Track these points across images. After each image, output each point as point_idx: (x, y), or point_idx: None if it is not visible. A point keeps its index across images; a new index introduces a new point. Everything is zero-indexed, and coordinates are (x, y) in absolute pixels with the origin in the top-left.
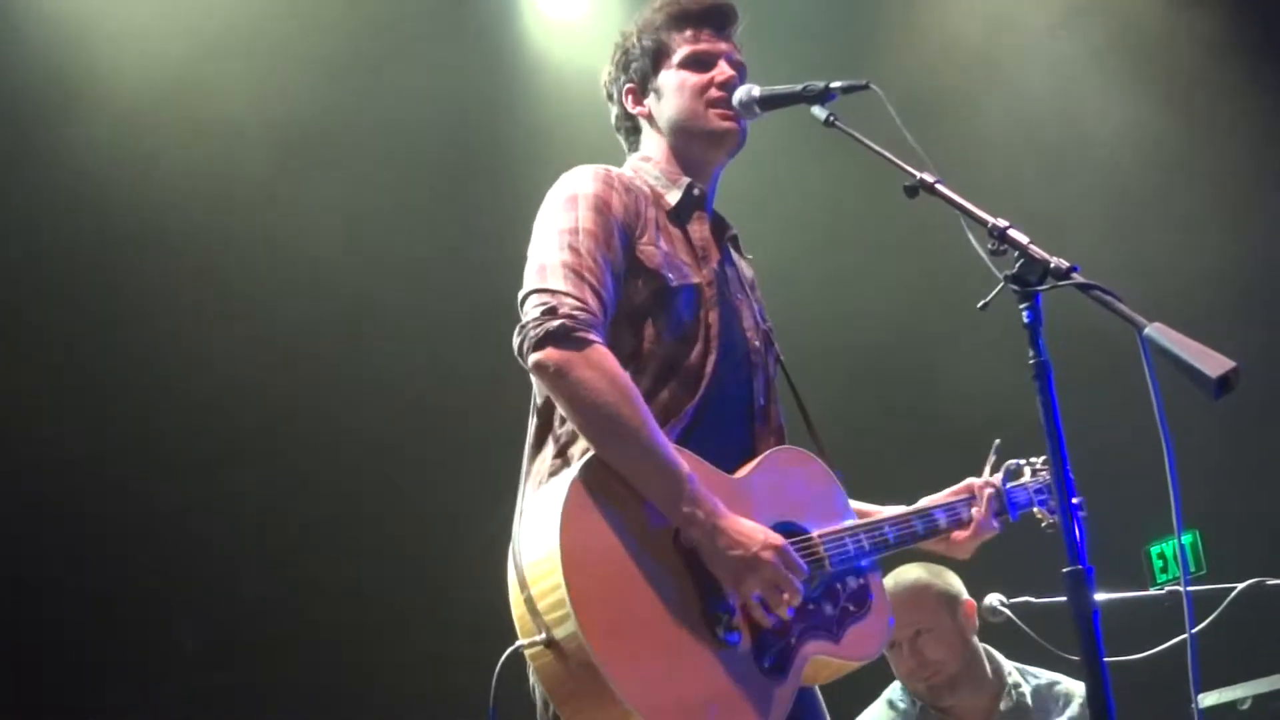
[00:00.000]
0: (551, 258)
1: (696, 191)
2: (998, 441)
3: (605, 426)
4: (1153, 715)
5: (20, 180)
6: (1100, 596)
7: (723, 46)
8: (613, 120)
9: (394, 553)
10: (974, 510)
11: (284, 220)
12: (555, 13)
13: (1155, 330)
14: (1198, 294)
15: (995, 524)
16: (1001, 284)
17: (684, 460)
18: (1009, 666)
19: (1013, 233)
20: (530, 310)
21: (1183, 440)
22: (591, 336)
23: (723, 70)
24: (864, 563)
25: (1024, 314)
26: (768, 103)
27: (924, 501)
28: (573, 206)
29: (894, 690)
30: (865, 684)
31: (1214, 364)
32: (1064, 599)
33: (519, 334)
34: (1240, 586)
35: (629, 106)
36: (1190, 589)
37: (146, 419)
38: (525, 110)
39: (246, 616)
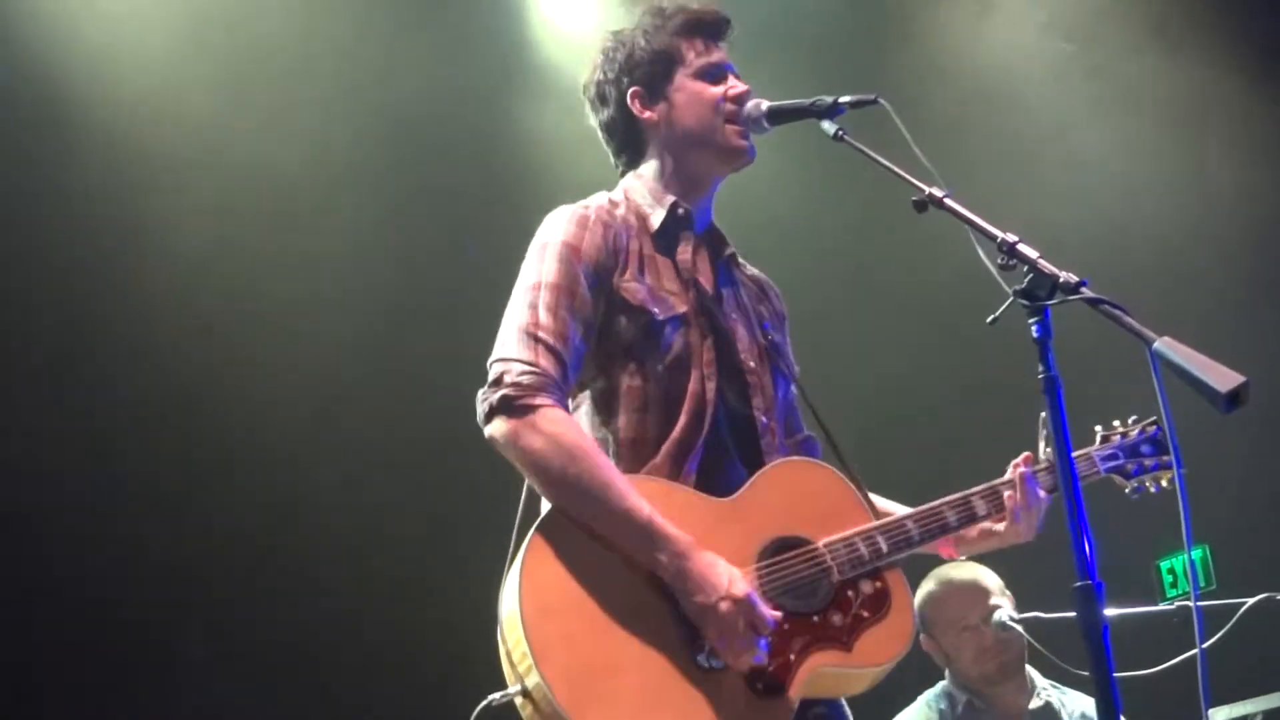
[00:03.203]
0: (511, 320)
1: (681, 211)
2: (1044, 415)
3: (558, 487)
4: None
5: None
6: (1110, 612)
7: (727, 60)
8: (604, 122)
9: (403, 572)
10: (1007, 493)
11: (293, 228)
12: (564, 22)
13: (1165, 345)
14: (1205, 310)
15: (1044, 496)
16: (1011, 299)
17: (658, 492)
18: (1038, 676)
19: (1022, 247)
20: (488, 381)
21: (1192, 455)
22: (537, 401)
23: (735, 85)
24: (884, 564)
25: (1033, 329)
26: (776, 117)
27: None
28: (540, 258)
29: (933, 693)
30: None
31: (1224, 378)
32: (1073, 614)
33: (477, 406)
34: (1250, 602)
35: (636, 110)
36: (1200, 604)
37: (150, 426)
38: (532, 117)
39: (250, 628)
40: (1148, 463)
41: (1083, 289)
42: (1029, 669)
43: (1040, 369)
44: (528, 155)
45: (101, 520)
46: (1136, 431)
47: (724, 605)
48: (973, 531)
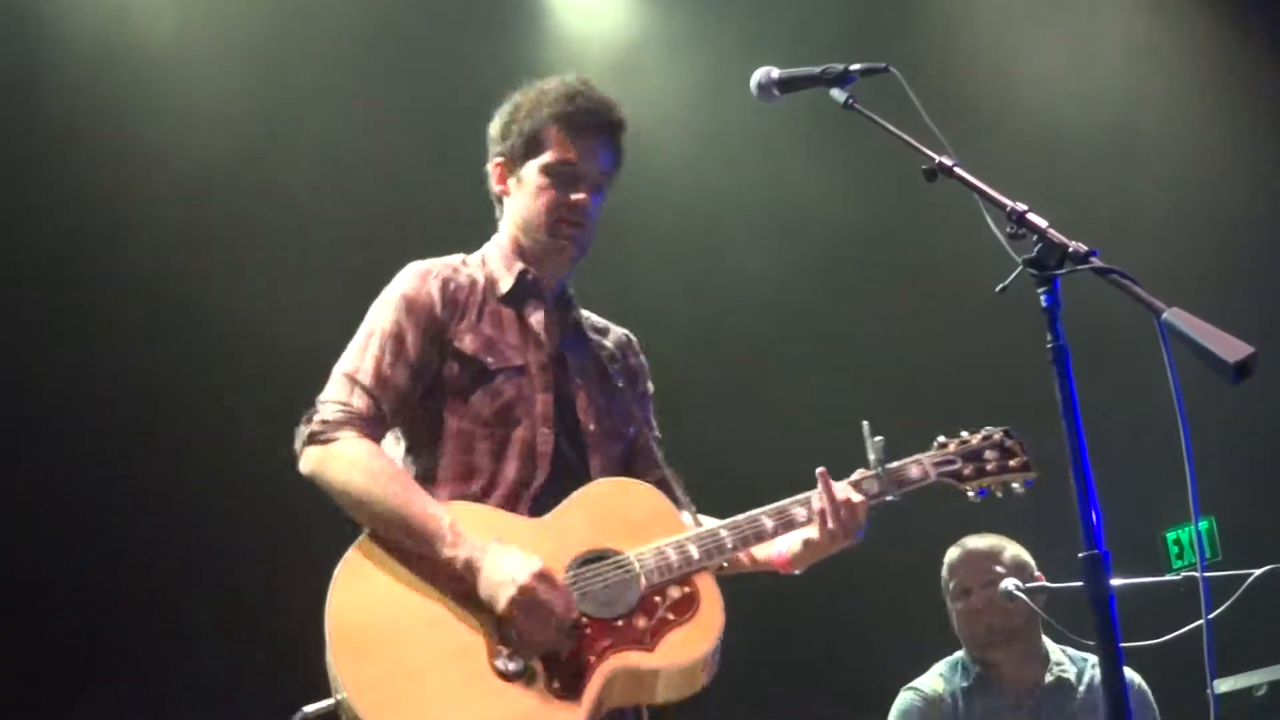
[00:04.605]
0: (338, 365)
1: (530, 277)
2: (866, 424)
3: (362, 509)
4: (1168, 701)
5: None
6: (1116, 582)
7: (592, 168)
8: (485, 172)
9: None
10: (821, 501)
11: (303, 195)
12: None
13: (1174, 315)
14: (1216, 278)
15: (858, 500)
16: (1020, 268)
17: (465, 511)
18: (1055, 648)
19: (1031, 216)
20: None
21: (1200, 426)
22: (338, 434)
23: (578, 196)
24: (695, 570)
25: (1042, 298)
26: (786, 85)
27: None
28: (380, 306)
29: (946, 662)
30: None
31: (1232, 349)
32: (1080, 584)
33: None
34: (1256, 573)
35: (493, 182)
36: (1206, 575)
37: (148, 399)
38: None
39: (254, 596)
40: (989, 467)
41: (1092, 259)
42: (1046, 642)
43: (1049, 338)
44: None
45: (99, 494)
46: (980, 438)
47: (522, 577)
48: (796, 545)
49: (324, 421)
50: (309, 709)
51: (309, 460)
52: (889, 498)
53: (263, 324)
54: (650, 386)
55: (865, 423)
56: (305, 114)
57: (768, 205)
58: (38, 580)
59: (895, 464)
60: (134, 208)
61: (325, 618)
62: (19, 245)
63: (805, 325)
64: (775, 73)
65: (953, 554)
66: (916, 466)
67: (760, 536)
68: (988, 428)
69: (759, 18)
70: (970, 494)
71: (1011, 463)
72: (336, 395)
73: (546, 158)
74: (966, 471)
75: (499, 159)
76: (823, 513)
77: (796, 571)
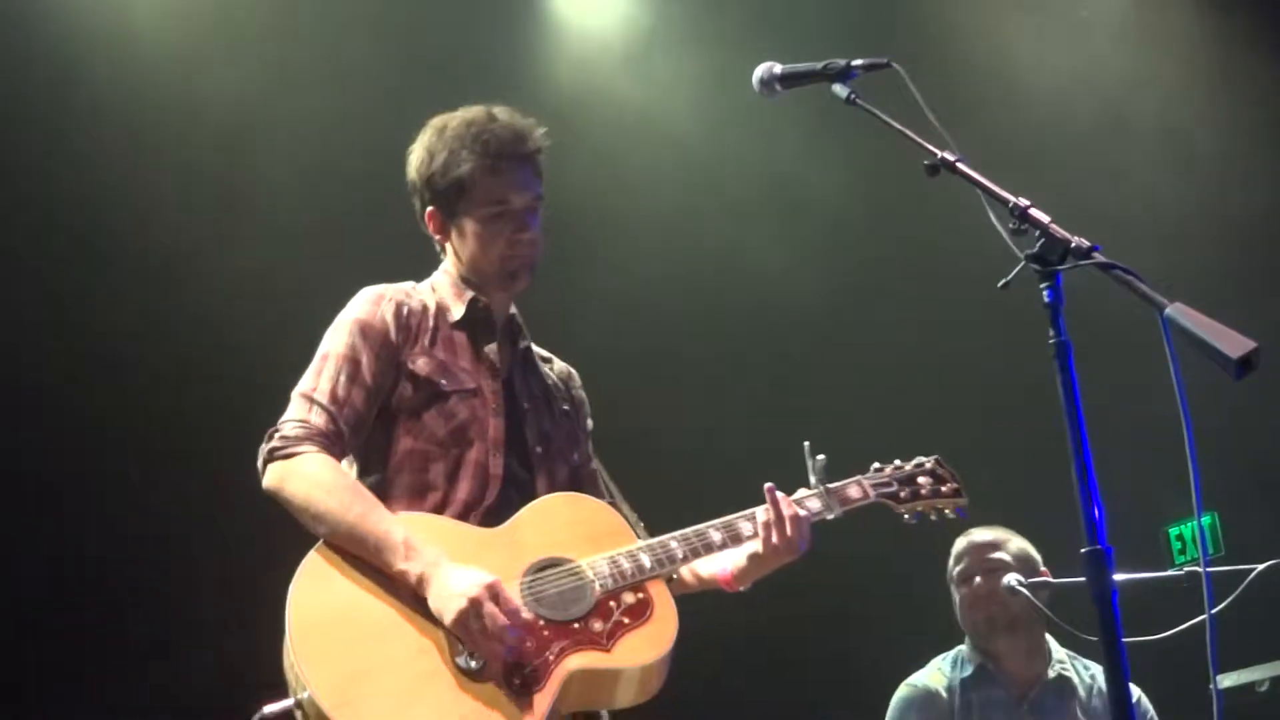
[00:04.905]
0: (296, 388)
1: (481, 304)
2: (807, 444)
3: (321, 521)
4: (1171, 696)
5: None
6: (1119, 577)
7: (526, 199)
8: (416, 214)
9: None
10: (767, 514)
11: (302, 187)
12: None
13: (1176, 310)
14: (1218, 273)
15: (803, 514)
16: (1022, 263)
17: (422, 521)
18: (1060, 649)
19: (1034, 212)
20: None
21: (1203, 421)
22: (299, 450)
23: (526, 234)
24: (648, 578)
25: (1045, 293)
26: (789, 80)
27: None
28: (334, 331)
29: (945, 656)
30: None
31: (1234, 344)
32: (1082, 579)
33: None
34: (1259, 568)
35: (430, 230)
36: (1209, 570)
37: (157, 386)
38: (546, 75)
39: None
40: (923, 491)
41: (1095, 254)
42: (1051, 642)
43: (1051, 334)
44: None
45: (103, 478)
46: (912, 465)
47: (473, 590)
48: (740, 560)
49: (284, 437)
50: (269, 709)
51: (271, 476)
52: (830, 515)
53: (261, 315)
54: (590, 423)
55: (806, 443)
56: (305, 106)
57: (769, 199)
58: (37, 573)
59: (836, 484)
60: (133, 194)
61: (286, 617)
62: (16, 234)
63: (806, 319)
64: (777, 68)
65: (959, 543)
66: (856, 487)
67: (709, 548)
68: (919, 457)
69: (761, 13)
70: (906, 516)
71: (944, 489)
72: (295, 414)
73: (484, 209)
74: (902, 494)
75: (430, 209)
76: (768, 525)
77: (741, 589)
